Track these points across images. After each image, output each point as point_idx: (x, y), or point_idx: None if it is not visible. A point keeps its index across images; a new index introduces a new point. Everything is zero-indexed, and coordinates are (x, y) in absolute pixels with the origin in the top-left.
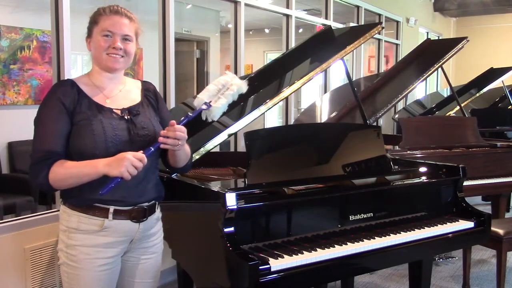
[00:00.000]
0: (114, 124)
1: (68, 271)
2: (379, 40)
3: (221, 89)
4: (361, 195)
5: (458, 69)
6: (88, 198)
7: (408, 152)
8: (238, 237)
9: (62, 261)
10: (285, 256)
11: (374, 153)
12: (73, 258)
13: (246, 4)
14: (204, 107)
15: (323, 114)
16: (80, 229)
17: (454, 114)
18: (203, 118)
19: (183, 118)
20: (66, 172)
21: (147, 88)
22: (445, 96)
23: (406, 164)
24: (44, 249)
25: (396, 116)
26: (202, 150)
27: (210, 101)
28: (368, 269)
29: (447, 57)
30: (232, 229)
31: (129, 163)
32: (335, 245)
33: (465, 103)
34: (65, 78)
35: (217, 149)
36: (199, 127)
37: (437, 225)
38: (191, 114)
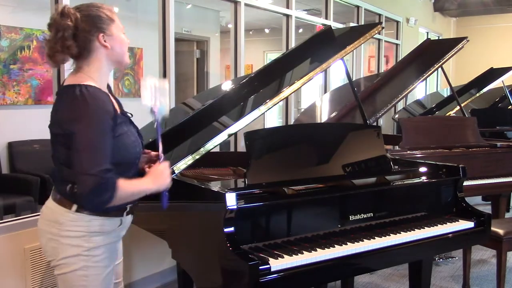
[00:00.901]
0: (134, 131)
1: (89, 273)
2: (379, 40)
3: (153, 92)
4: (361, 195)
5: (458, 69)
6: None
7: (408, 152)
8: (238, 237)
9: (78, 267)
10: (285, 256)
11: (374, 153)
12: (97, 258)
13: (246, 4)
14: (156, 115)
15: (323, 114)
16: (103, 231)
17: (454, 114)
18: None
19: (157, 132)
20: (128, 192)
21: (108, 86)
22: (445, 96)
23: (406, 164)
24: None
25: (396, 116)
26: (202, 150)
27: (153, 106)
28: (368, 269)
29: (447, 57)
30: (232, 229)
31: (168, 174)
32: (335, 245)
33: (465, 103)
34: (90, 84)
35: (217, 149)
36: (199, 127)
37: (437, 225)
38: (159, 131)
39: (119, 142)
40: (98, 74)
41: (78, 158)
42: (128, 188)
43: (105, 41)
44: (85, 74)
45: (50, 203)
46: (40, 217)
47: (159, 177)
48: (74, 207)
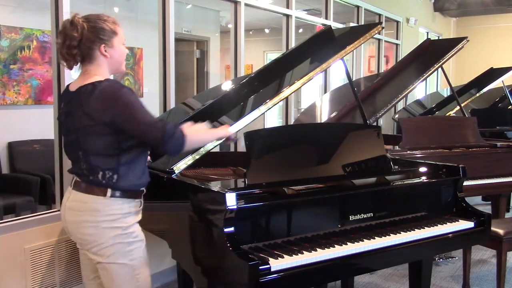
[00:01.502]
0: None
1: (132, 247)
2: (379, 40)
3: None
4: (361, 195)
5: (458, 69)
6: (144, 183)
7: (408, 152)
8: (238, 237)
9: (121, 246)
10: (285, 256)
11: (374, 153)
12: (134, 234)
13: (246, 4)
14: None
15: (323, 114)
16: (132, 211)
17: (454, 114)
18: None
19: None
20: (193, 131)
21: None
22: (445, 96)
23: (406, 164)
24: (44, 249)
25: (396, 116)
26: (202, 150)
27: None
28: (368, 269)
29: (447, 57)
30: (232, 229)
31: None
32: (335, 245)
33: (465, 103)
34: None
35: (217, 149)
36: None
37: (437, 225)
38: None
39: None
40: (102, 77)
41: (138, 120)
42: (192, 129)
43: (105, 51)
44: (93, 74)
45: (78, 196)
46: (69, 212)
47: (219, 128)
48: (109, 192)
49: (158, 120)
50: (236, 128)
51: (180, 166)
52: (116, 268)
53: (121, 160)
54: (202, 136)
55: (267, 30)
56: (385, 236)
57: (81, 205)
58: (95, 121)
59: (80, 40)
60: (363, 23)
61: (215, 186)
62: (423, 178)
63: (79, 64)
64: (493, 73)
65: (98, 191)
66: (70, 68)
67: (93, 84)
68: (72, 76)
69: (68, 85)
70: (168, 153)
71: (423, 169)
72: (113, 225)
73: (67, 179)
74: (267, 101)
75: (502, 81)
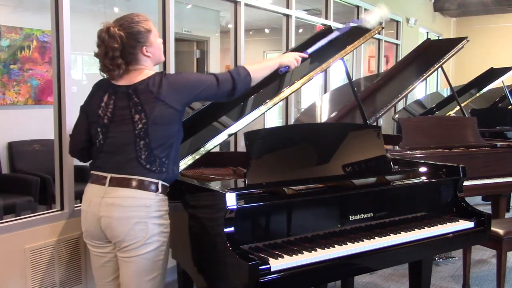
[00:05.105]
0: None
1: (165, 247)
2: (379, 40)
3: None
4: (361, 195)
5: (458, 69)
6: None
7: (408, 152)
8: (238, 237)
9: (160, 243)
10: (285, 256)
11: (374, 153)
12: (168, 234)
13: (246, 4)
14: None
15: (323, 114)
16: (168, 209)
17: (454, 114)
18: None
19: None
20: (254, 66)
21: None
22: (445, 96)
23: (406, 164)
24: (44, 249)
25: (396, 116)
26: (202, 150)
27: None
28: (368, 269)
29: (447, 57)
30: (232, 229)
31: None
32: (335, 245)
33: (465, 103)
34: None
35: (217, 149)
36: (199, 127)
37: (437, 225)
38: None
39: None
40: (151, 71)
41: (211, 79)
42: (254, 64)
43: (147, 51)
44: (143, 70)
45: (126, 192)
46: (111, 208)
47: (284, 55)
48: (160, 188)
49: (223, 75)
50: (236, 128)
51: (180, 166)
52: (146, 264)
53: (172, 148)
54: (266, 69)
55: (267, 30)
56: (385, 236)
57: (130, 201)
58: (174, 109)
59: (122, 49)
60: None
61: (215, 186)
62: (423, 178)
63: (146, 65)
64: (493, 73)
65: (148, 187)
66: (113, 78)
67: (158, 75)
68: (72, 77)
69: (108, 79)
70: (237, 95)
71: (423, 169)
72: (159, 222)
73: (67, 179)
74: (267, 101)
75: (502, 81)
